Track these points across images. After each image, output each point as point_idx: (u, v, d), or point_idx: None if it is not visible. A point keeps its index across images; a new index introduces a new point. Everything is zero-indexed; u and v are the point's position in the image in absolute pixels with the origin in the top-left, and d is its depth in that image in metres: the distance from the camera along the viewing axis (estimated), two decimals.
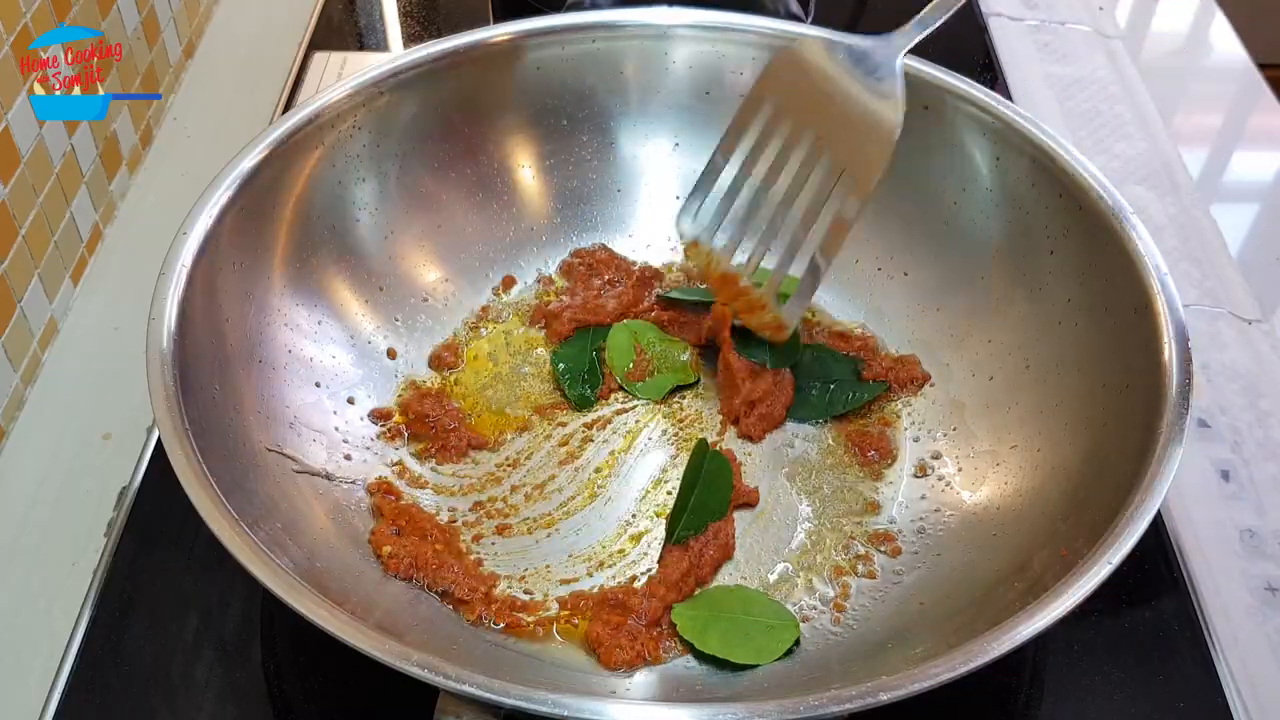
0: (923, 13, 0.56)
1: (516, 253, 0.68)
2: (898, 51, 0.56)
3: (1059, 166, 0.58)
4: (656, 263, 0.69)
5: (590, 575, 0.54)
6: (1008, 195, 0.61)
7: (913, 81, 0.62)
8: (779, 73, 0.59)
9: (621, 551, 0.55)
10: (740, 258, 0.60)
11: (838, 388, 0.62)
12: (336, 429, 0.58)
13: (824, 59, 0.57)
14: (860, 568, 0.55)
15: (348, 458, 0.57)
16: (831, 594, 0.53)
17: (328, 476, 0.56)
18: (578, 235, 0.69)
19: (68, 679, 0.51)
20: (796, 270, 0.57)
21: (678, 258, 0.69)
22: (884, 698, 0.39)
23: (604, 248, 0.69)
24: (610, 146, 0.69)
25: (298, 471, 0.54)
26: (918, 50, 0.63)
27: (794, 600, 0.53)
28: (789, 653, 0.50)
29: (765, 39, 0.66)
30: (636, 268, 0.68)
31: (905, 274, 0.65)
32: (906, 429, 0.61)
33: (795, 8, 0.86)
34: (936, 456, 0.59)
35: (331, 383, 0.60)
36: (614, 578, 0.54)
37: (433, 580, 0.52)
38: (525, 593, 0.53)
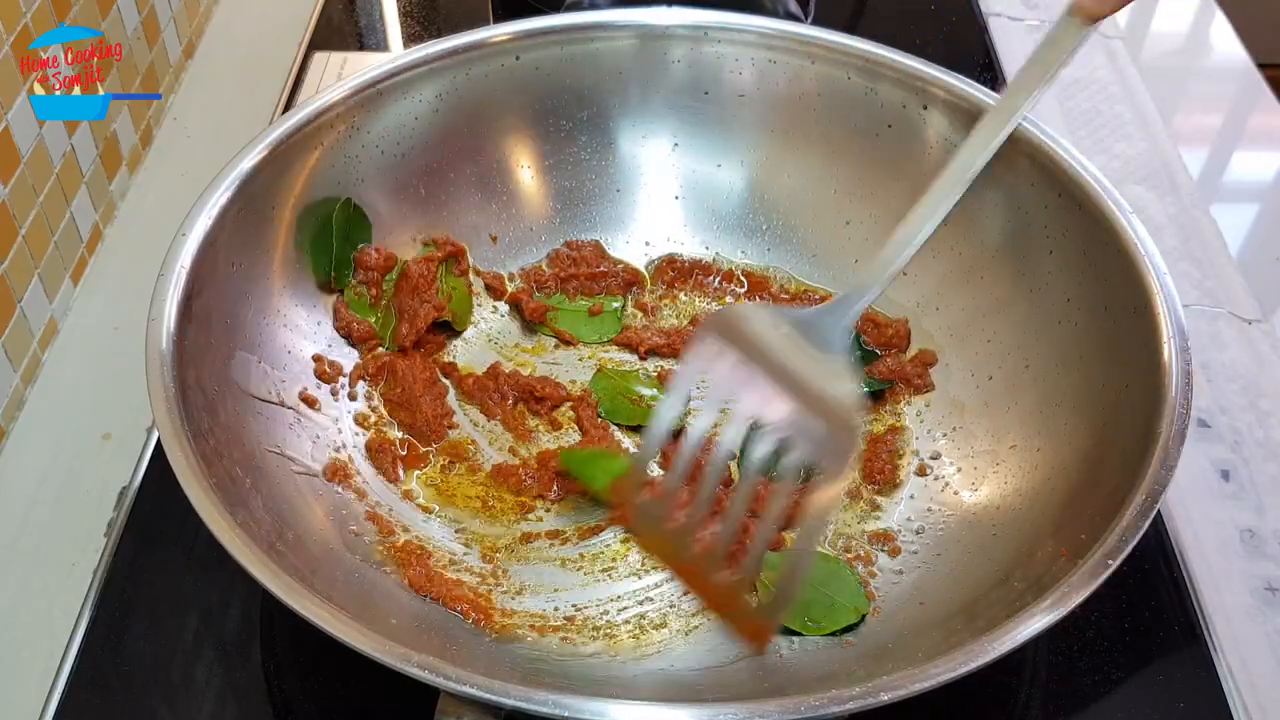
0: (857, 287, 0.53)
1: (516, 252, 0.68)
2: (847, 326, 0.52)
3: (1059, 166, 0.57)
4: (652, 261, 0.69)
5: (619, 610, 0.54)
6: (1007, 195, 0.61)
7: (912, 81, 0.63)
8: (718, 336, 0.51)
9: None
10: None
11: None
12: (338, 429, 0.58)
13: (768, 327, 0.51)
14: (860, 568, 0.55)
15: (350, 459, 0.57)
16: None
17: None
18: (577, 235, 0.69)
19: (68, 679, 0.51)
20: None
21: (676, 253, 0.69)
22: (884, 697, 0.39)
23: (595, 244, 0.69)
24: (609, 146, 0.69)
25: (298, 472, 0.54)
26: (918, 50, 0.64)
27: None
28: (838, 633, 0.51)
29: (764, 39, 0.66)
30: (620, 268, 0.68)
31: (904, 274, 0.65)
32: (907, 429, 0.61)
33: (794, 8, 0.86)
34: (936, 456, 0.59)
35: (331, 383, 0.60)
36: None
37: (448, 602, 0.52)
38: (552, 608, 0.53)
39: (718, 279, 0.68)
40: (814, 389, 0.49)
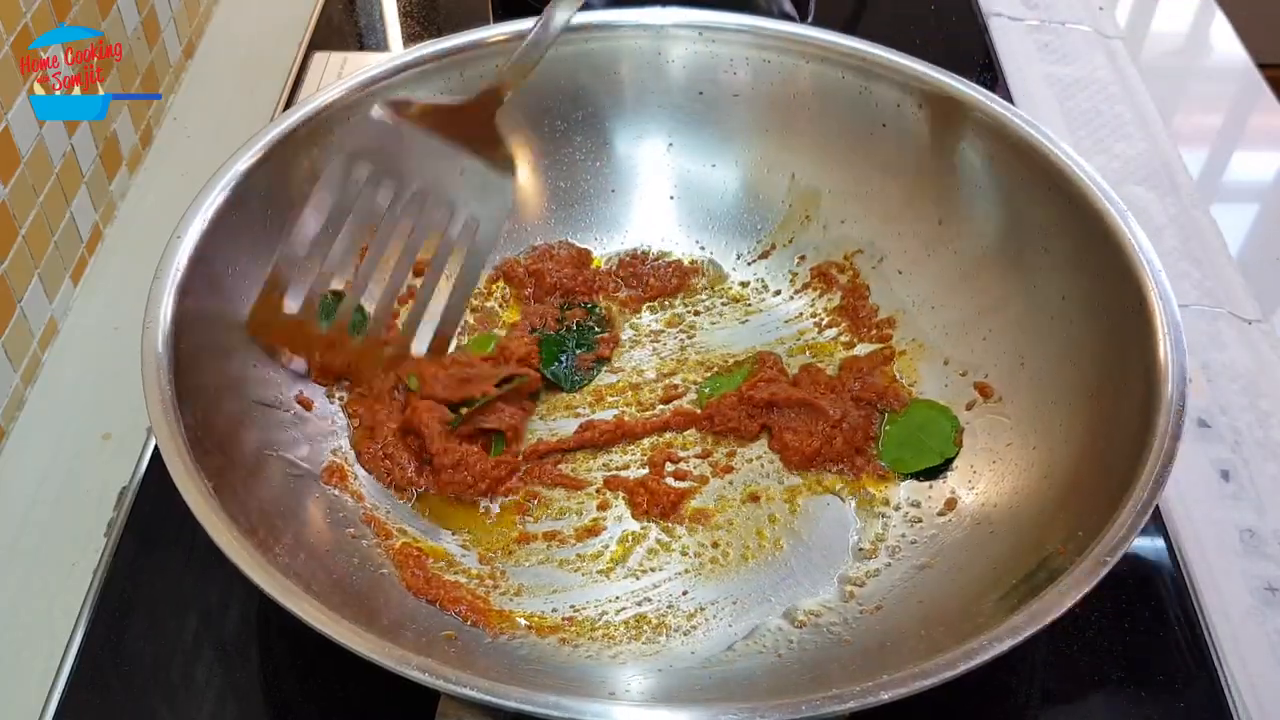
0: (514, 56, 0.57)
1: (509, 253, 0.68)
2: (493, 111, 0.56)
3: (1051, 163, 0.57)
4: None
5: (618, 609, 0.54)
6: (1000, 192, 0.61)
7: (906, 80, 0.63)
8: (367, 135, 0.57)
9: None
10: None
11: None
12: (334, 431, 0.58)
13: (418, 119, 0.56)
14: (859, 565, 0.54)
15: (346, 460, 0.57)
16: (831, 594, 0.53)
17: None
18: (572, 235, 0.69)
19: (68, 679, 0.51)
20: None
21: (668, 253, 0.69)
22: (885, 696, 0.39)
23: (581, 251, 0.68)
24: (604, 147, 0.69)
25: (294, 475, 0.54)
26: (918, 50, 0.64)
27: (793, 600, 0.53)
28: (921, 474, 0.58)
29: (759, 39, 0.66)
30: (586, 278, 0.67)
31: (899, 272, 0.65)
32: None
33: (788, 7, 0.86)
34: None
35: (327, 386, 0.59)
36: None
37: (446, 604, 0.52)
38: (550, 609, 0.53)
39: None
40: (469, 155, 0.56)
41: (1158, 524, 0.59)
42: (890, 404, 0.61)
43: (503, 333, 0.64)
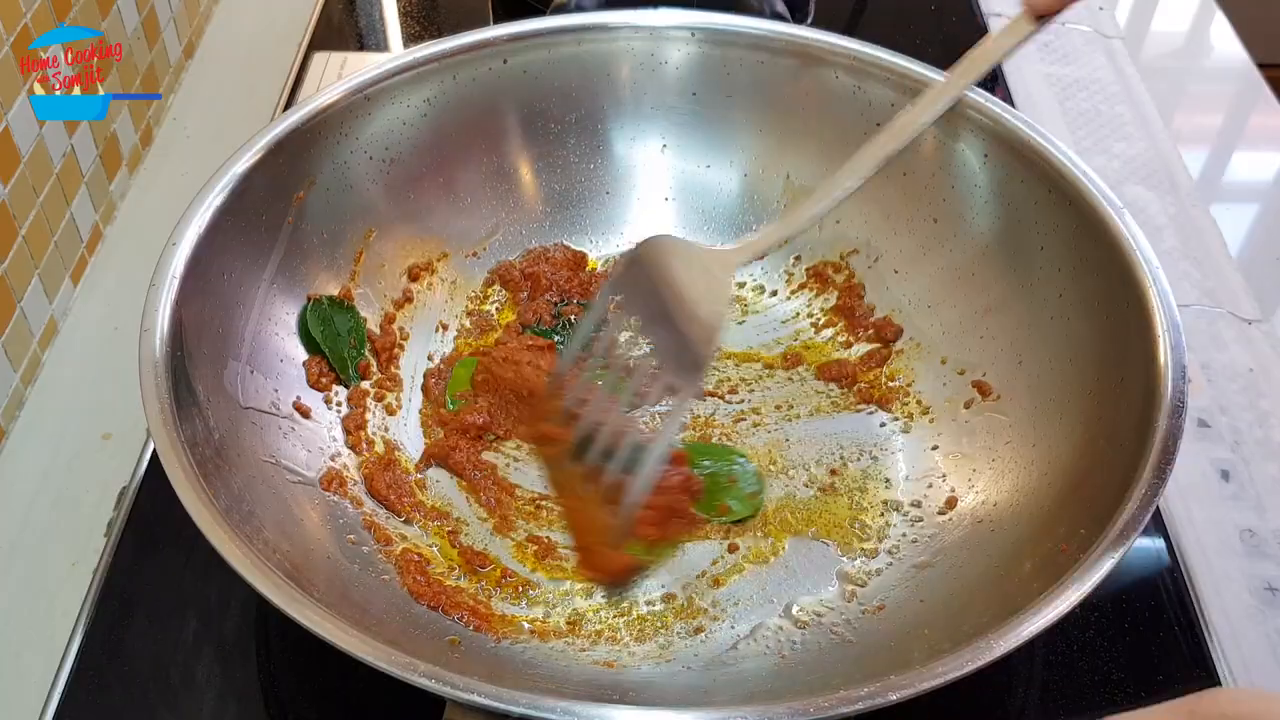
0: (756, 238, 0.57)
1: (505, 255, 0.68)
2: (731, 270, 0.56)
3: (1047, 162, 0.58)
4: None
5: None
6: (997, 191, 0.61)
7: (900, 80, 0.63)
8: (633, 267, 0.57)
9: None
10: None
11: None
12: (333, 438, 0.58)
13: (676, 257, 0.56)
14: (860, 562, 0.54)
15: (345, 467, 0.57)
16: (832, 593, 0.53)
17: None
18: (568, 238, 0.69)
19: (68, 679, 0.51)
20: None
21: None
22: (894, 697, 0.39)
23: (577, 254, 0.68)
24: (598, 149, 0.69)
25: (294, 481, 0.54)
26: (917, 50, 0.64)
27: (795, 600, 0.53)
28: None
29: (752, 39, 0.66)
30: (582, 280, 0.67)
31: (895, 271, 0.65)
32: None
33: (780, 8, 0.86)
34: (934, 449, 0.59)
35: (324, 391, 0.59)
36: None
37: (449, 610, 0.52)
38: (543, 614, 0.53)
39: None
40: (690, 311, 0.54)
41: (1158, 524, 0.59)
42: (887, 405, 0.61)
43: (496, 335, 0.64)
